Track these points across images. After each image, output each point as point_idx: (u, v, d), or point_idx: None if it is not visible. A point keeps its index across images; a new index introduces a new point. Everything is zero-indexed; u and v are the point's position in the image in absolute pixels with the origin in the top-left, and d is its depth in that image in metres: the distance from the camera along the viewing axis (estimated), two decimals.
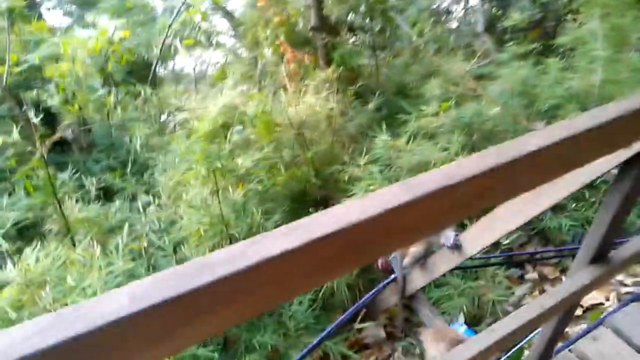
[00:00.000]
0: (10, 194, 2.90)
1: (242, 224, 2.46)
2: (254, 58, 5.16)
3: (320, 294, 2.96)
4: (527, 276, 3.67)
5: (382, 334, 3.24)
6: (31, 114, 2.63)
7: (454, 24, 6.84)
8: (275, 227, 0.64)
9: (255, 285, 0.58)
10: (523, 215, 2.05)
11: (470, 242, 2.25)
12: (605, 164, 1.88)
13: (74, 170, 3.77)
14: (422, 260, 2.52)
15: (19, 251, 2.67)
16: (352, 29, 5.16)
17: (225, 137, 3.57)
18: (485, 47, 5.19)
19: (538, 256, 3.68)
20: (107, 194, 3.92)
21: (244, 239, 0.58)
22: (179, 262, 2.80)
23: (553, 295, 1.56)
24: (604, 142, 1.00)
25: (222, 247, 0.58)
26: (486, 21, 5.98)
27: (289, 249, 0.59)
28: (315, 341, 2.64)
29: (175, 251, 2.81)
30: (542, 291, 3.57)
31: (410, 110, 3.59)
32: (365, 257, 0.73)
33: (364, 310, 3.17)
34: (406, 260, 2.54)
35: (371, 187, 2.96)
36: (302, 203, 3.57)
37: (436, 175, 0.78)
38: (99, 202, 3.59)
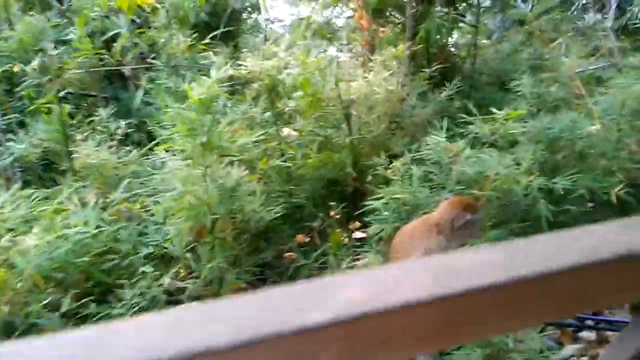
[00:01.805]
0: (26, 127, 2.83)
1: (221, 209, 2.11)
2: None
3: None
4: (582, 334, 2.98)
5: None
6: (48, 45, 2.46)
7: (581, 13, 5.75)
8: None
9: None
10: None
11: None
12: None
13: (116, 109, 3.67)
14: None
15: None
16: (453, 1, 4.45)
17: (272, 104, 3.24)
18: (610, 46, 4.22)
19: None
20: (150, 139, 3.79)
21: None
22: (165, 235, 2.56)
23: None
24: None
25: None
26: (619, 14, 4.89)
27: None
28: None
29: (164, 223, 2.57)
30: (594, 357, 2.88)
31: (475, 110, 2.97)
32: None
33: None
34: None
35: (397, 196, 2.46)
36: (330, 192, 3.16)
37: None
38: (133, 147, 3.47)
